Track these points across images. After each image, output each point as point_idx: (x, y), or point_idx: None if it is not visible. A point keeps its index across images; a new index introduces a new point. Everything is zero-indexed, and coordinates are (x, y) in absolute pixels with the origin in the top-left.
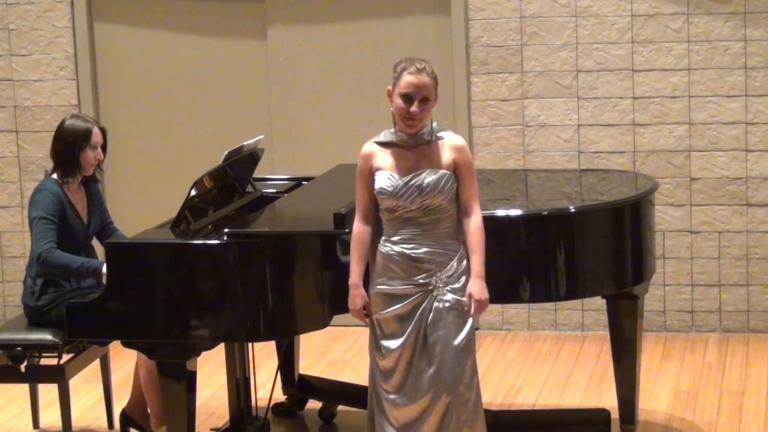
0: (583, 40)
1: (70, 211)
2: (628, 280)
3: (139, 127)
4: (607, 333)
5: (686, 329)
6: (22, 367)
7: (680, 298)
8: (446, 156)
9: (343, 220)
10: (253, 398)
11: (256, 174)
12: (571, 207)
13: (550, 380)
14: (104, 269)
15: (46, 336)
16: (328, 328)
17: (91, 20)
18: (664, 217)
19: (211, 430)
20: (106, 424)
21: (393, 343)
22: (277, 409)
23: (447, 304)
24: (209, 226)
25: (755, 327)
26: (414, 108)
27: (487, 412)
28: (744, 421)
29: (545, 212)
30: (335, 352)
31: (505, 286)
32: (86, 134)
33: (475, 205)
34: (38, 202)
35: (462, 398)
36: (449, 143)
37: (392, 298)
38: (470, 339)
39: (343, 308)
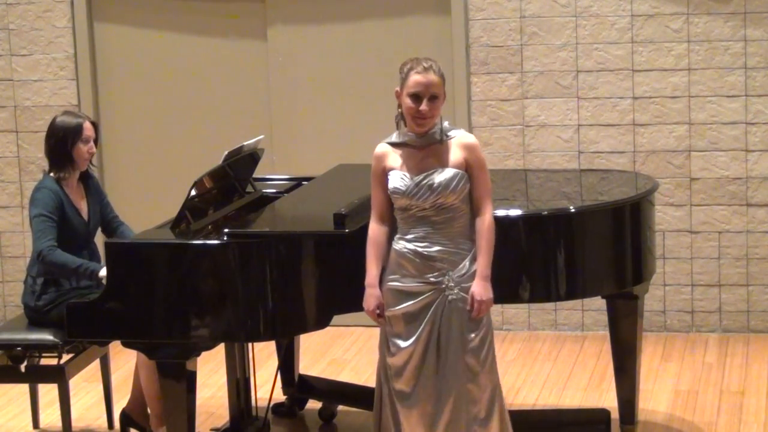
0: (583, 40)
1: (69, 208)
2: (628, 280)
3: (139, 127)
4: (607, 333)
5: (686, 329)
6: (22, 367)
7: (680, 298)
8: (458, 155)
9: (343, 220)
10: (253, 398)
11: (256, 174)
12: (571, 207)
13: (550, 380)
14: (103, 272)
15: (46, 336)
16: (328, 328)
17: (91, 20)
18: (664, 217)
19: (211, 430)
20: (106, 424)
21: (404, 341)
22: (277, 409)
23: (459, 304)
24: (209, 226)
25: (755, 327)
26: (423, 106)
27: None
28: (744, 421)
29: (545, 212)
30: (335, 352)
31: (505, 286)
32: (77, 129)
33: (487, 204)
34: (38, 200)
35: (471, 396)
36: (461, 142)
37: (404, 296)
38: (484, 338)
39: (343, 308)
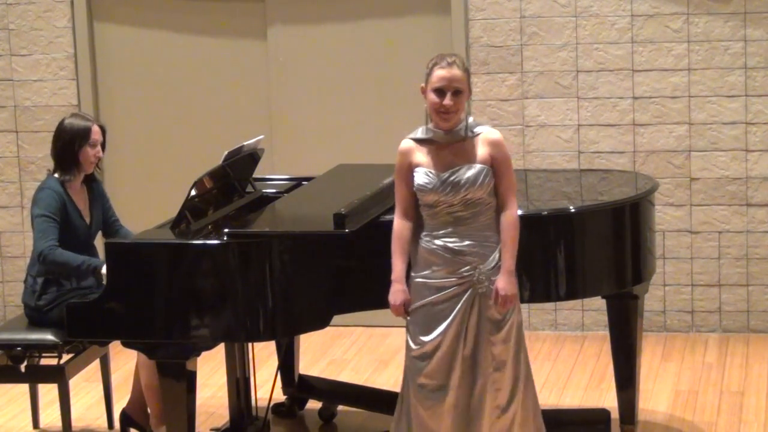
0: (583, 40)
1: (72, 210)
2: (628, 280)
3: (139, 127)
4: (607, 333)
5: (686, 329)
6: (22, 367)
7: (680, 298)
8: (483, 151)
9: (343, 221)
10: (253, 398)
11: (256, 174)
12: (571, 207)
13: (549, 380)
14: (105, 269)
15: (46, 336)
16: (328, 328)
17: (91, 20)
18: (664, 217)
19: (211, 430)
20: (106, 424)
21: (429, 334)
22: (277, 409)
23: (489, 296)
24: (209, 226)
25: (755, 327)
26: (447, 101)
27: None
28: (744, 421)
29: (545, 212)
30: (335, 352)
31: None
32: (85, 132)
33: (512, 199)
34: (40, 200)
35: (496, 385)
36: (486, 138)
37: (433, 289)
38: (511, 329)
39: (343, 308)
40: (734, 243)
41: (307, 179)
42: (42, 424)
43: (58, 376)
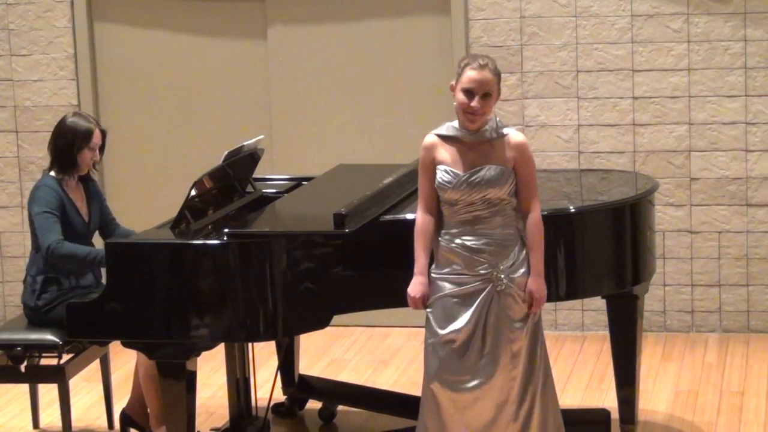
0: (583, 40)
1: (69, 207)
2: (628, 280)
3: (139, 127)
4: (607, 333)
5: (686, 329)
6: (22, 367)
7: (680, 298)
8: (507, 153)
9: (343, 221)
10: (253, 398)
11: (256, 174)
12: (571, 207)
13: None
14: None
15: (46, 336)
16: (328, 328)
17: (91, 20)
18: (664, 217)
19: (211, 430)
20: (106, 424)
21: (447, 327)
22: (277, 409)
23: (507, 294)
24: (209, 226)
25: (755, 327)
26: (475, 103)
27: None
28: (744, 421)
29: (545, 212)
30: (335, 352)
31: None
32: (87, 135)
33: (535, 202)
34: (39, 198)
35: (513, 383)
36: (510, 140)
37: (452, 284)
38: (528, 328)
39: (343, 308)
40: (734, 243)
41: (307, 179)
42: (42, 424)
43: (58, 376)
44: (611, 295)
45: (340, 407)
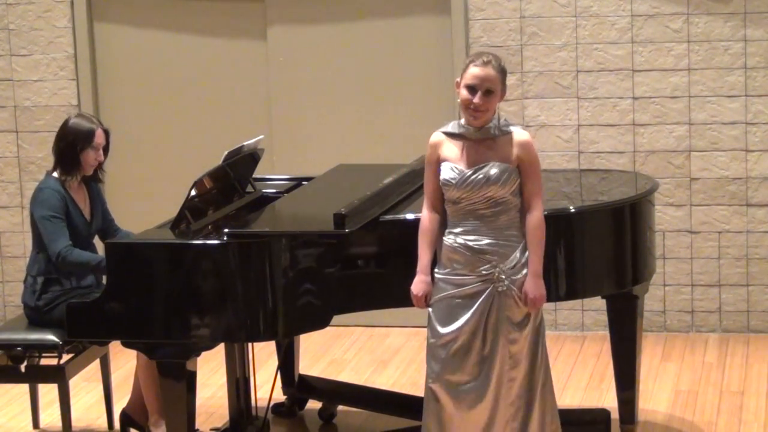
0: (583, 40)
1: (72, 208)
2: (628, 280)
3: (139, 127)
4: (607, 333)
5: (686, 329)
6: (22, 367)
7: (680, 298)
8: (511, 151)
9: (343, 220)
10: (253, 398)
11: (256, 174)
12: (571, 207)
13: None
14: None
15: (46, 336)
16: (328, 328)
17: (91, 20)
18: (664, 217)
19: (211, 430)
20: (106, 424)
21: (448, 327)
22: (277, 409)
23: (508, 295)
24: (209, 226)
25: (755, 327)
26: (476, 99)
27: None
28: (744, 421)
29: (545, 212)
30: (335, 352)
31: None
32: (89, 135)
33: (537, 202)
34: (43, 201)
35: (512, 384)
36: (515, 139)
37: (453, 285)
38: (529, 330)
39: (343, 308)
40: (734, 243)
41: (307, 179)
42: (42, 424)
43: (58, 376)
44: (611, 295)
45: (340, 407)
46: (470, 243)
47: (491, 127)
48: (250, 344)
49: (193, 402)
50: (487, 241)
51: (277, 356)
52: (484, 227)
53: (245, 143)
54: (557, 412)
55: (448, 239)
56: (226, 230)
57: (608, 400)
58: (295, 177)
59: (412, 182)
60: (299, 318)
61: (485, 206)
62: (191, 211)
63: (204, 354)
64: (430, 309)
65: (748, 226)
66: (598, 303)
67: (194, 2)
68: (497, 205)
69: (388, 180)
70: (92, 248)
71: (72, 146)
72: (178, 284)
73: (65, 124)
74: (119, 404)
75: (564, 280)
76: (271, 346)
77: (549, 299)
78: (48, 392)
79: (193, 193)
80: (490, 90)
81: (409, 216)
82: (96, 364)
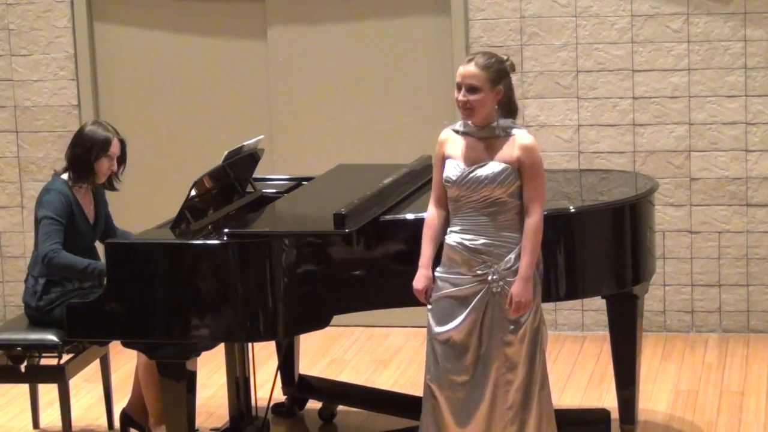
0: (583, 40)
1: (77, 212)
2: (627, 280)
3: (139, 128)
4: (607, 333)
5: (686, 329)
6: (22, 367)
7: (680, 298)
8: (512, 152)
9: (343, 220)
10: (253, 398)
11: (256, 174)
12: (571, 207)
13: (550, 380)
14: None
15: (47, 336)
16: (328, 328)
17: (91, 20)
18: (664, 217)
19: (211, 430)
20: (106, 424)
21: (442, 326)
22: (277, 409)
23: (503, 297)
24: (209, 226)
25: (755, 327)
26: (460, 96)
27: None
28: (744, 422)
29: (545, 212)
30: (335, 352)
31: None
32: (105, 143)
33: (536, 206)
34: (47, 202)
35: (508, 386)
36: (518, 141)
37: (449, 284)
38: (525, 333)
39: (343, 308)
40: (734, 243)
41: (307, 179)
42: (42, 424)
43: (58, 376)
44: (611, 295)
45: (340, 407)
46: (466, 242)
47: (495, 127)
48: (250, 344)
49: (193, 402)
50: (482, 240)
51: (277, 356)
52: (480, 227)
53: (245, 143)
54: (554, 417)
55: (448, 238)
56: (226, 230)
57: (608, 400)
58: (295, 177)
59: (412, 182)
60: (299, 318)
61: (482, 206)
62: (191, 211)
63: (204, 354)
64: (428, 307)
65: (748, 226)
66: (598, 303)
67: (194, 2)
68: (494, 205)
69: (388, 180)
70: (94, 253)
71: (87, 154)
72: (178, 284)
73: (81, 130)
74: (119, 404)
75: (564, 280)
76: (271, 346)
77: (549, 299)
78: (48, 392)
79: (193, 193)
80: (472, 86)
81: (409, 216)
82: (96, 364)
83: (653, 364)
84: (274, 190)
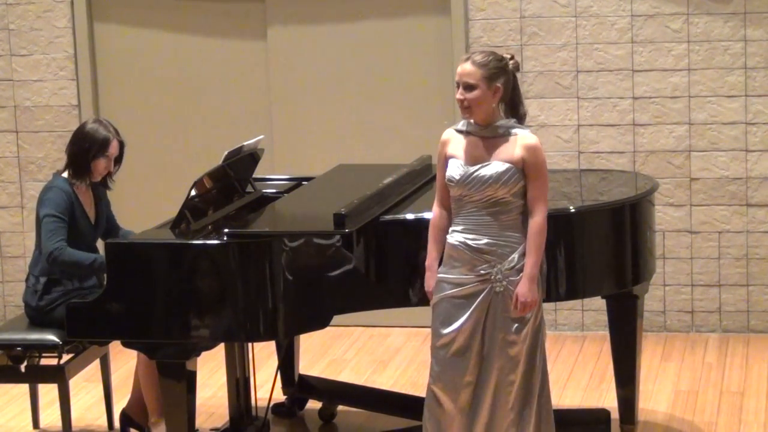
0: (583, 40)
1: (78, 210)
2: (628, 280)
3: (139, 127)
4: (607, 333)
5: (686, 329)
6: (22, 367)
7: (680, 298)
8: (516, 152)
9: (343, 220)
10: (253, 398)
11: (256, 174)
12: (571, 207)
13: (550, 380)
14: None
15: (47, 336)
16: (328, 328)
17: (91, 20)
18: (664, 217)
19: (211, 430)
20: (106, 424)
21: (446, 327)
22: (277, 409)
23: (506, 296)
24: (209, 226)
25: (755, 327)
26: (458, 94)
27: None
28: (744, 422)
29: None
30: (335, 352)
31: None
32: (104, 143)
33: (540, 206)
34: (49, 200)
35: (510, 387)
36: (522, 141)
37: (451, 285)
38: (527, 333)
39: (343, 308)
40: (734, 243)
41: (307, 179)
42: (42, 424)
43: (58, 376)
44: (611, 295)
45: (340, 407)
46: (469, 242)
47: (498, 126)
48: (250, 344)
49: (193, 402)
50: (485, 240)
51: (277, 356)
52: (483, 226)
53: (245, 143)
54: (553, 418)
55: (451, 237)
56: (226, 230)
57: (608, 400)
58: (295, 177)
59: (412, 182)
60: (299, 318)
61: (485, 205)
62: (191, 211)
63: (204, 354)
64: (432, 308)
65: (748, 226)
66: (598, 303)
67: (194, 2)
68: (497, 204)
69: (388, 180)
70: (95, 250)
71: (85, 152)
72: (178, 284)
73: (82, 128)
74: (119, 404)
75: (564, 280)
76: (271, 346)
77: (549, 299)
78: (48, 392)
79: (193, 193)
80: (469, 84)
81: (409, 216)
82: (96, 364)
83: (653, 364)
84: (274, 190)
